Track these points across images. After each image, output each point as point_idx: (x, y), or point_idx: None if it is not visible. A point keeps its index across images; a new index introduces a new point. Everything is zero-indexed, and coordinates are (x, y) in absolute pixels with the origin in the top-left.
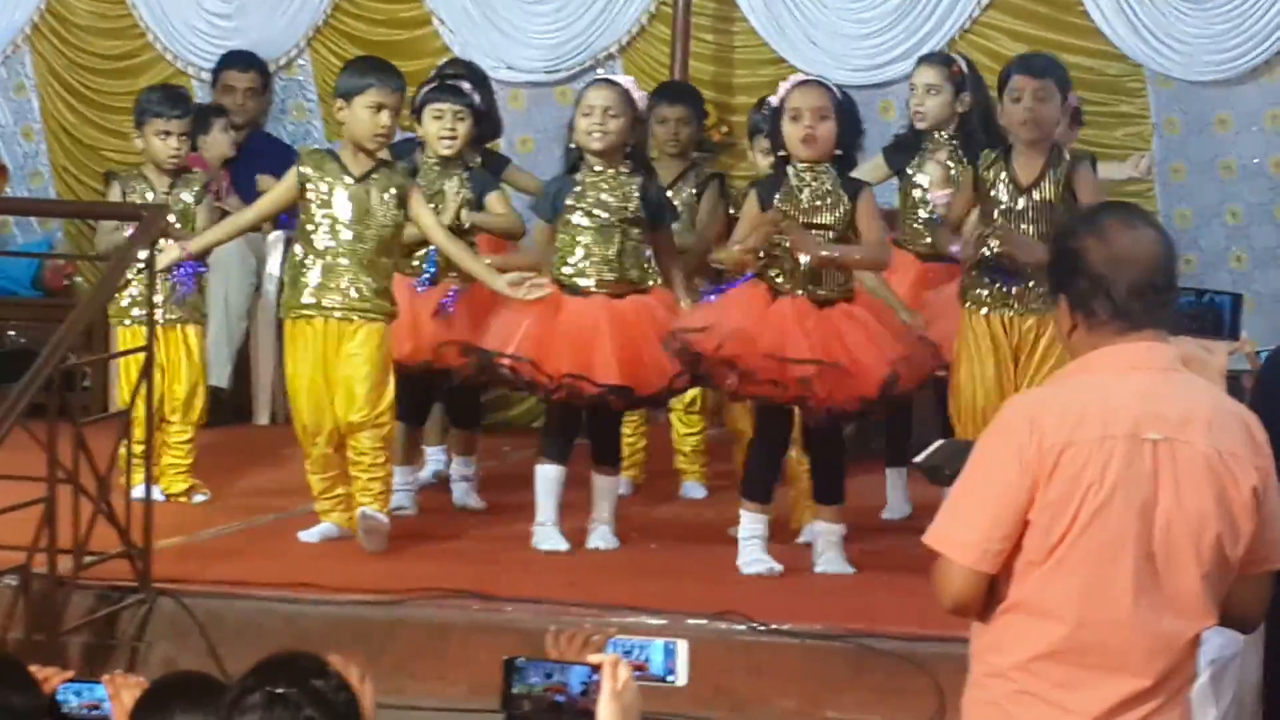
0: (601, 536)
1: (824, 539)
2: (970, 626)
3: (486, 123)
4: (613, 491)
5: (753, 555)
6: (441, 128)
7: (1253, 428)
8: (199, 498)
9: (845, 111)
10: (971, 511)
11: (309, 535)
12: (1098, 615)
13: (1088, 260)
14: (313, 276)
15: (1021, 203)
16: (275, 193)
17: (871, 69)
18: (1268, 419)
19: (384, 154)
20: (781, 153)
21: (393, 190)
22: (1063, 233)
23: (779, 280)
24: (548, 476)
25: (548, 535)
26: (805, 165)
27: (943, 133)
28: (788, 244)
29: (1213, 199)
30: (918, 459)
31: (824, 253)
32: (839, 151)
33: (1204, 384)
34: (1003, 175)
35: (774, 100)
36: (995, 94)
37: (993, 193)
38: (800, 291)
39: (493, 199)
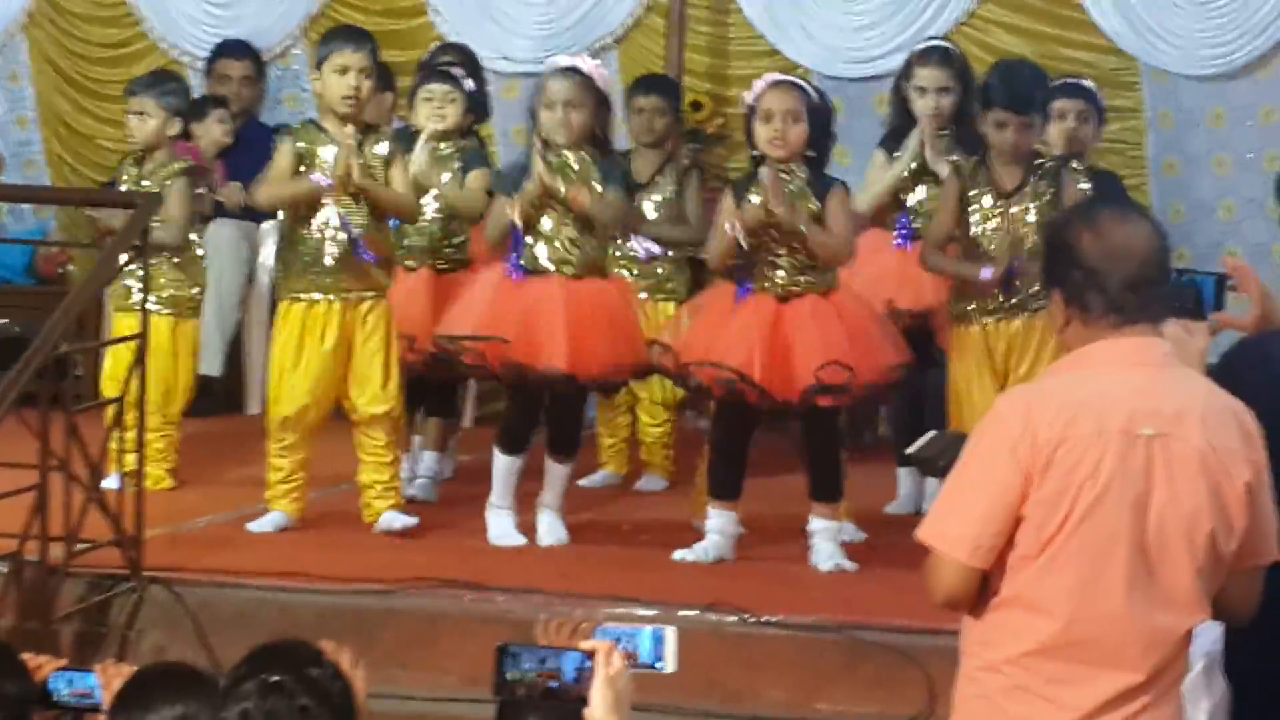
0: (548, 528)
1: (819, 536)
2: (962, 620)
3: (476, 106)
4: (561, 479)
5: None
6: (431, 109)
7: (1246, 422)
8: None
9: (818, 114)
10: (964, 507)
11: (261, 525)
12: (1091, 611)
13: (1082, 254)
14: (308, 256)
15: (1005, 207)
16: (281, 168)
17: (867, 61)
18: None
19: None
20: (755, 153)
21: (377, 151)
22: (1057, 227)
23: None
24: (501, 466)
25: (501, 524)
26: (778, 166)
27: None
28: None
29: (1207, 194)
30: (910, 449)
31: (790, 216)
32: (812, 153)
33: (1198, 378)
34: (985, 184)
35: (748, 98)
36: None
37: (974, 203)
38: (767, 284)
39: (474, 176)
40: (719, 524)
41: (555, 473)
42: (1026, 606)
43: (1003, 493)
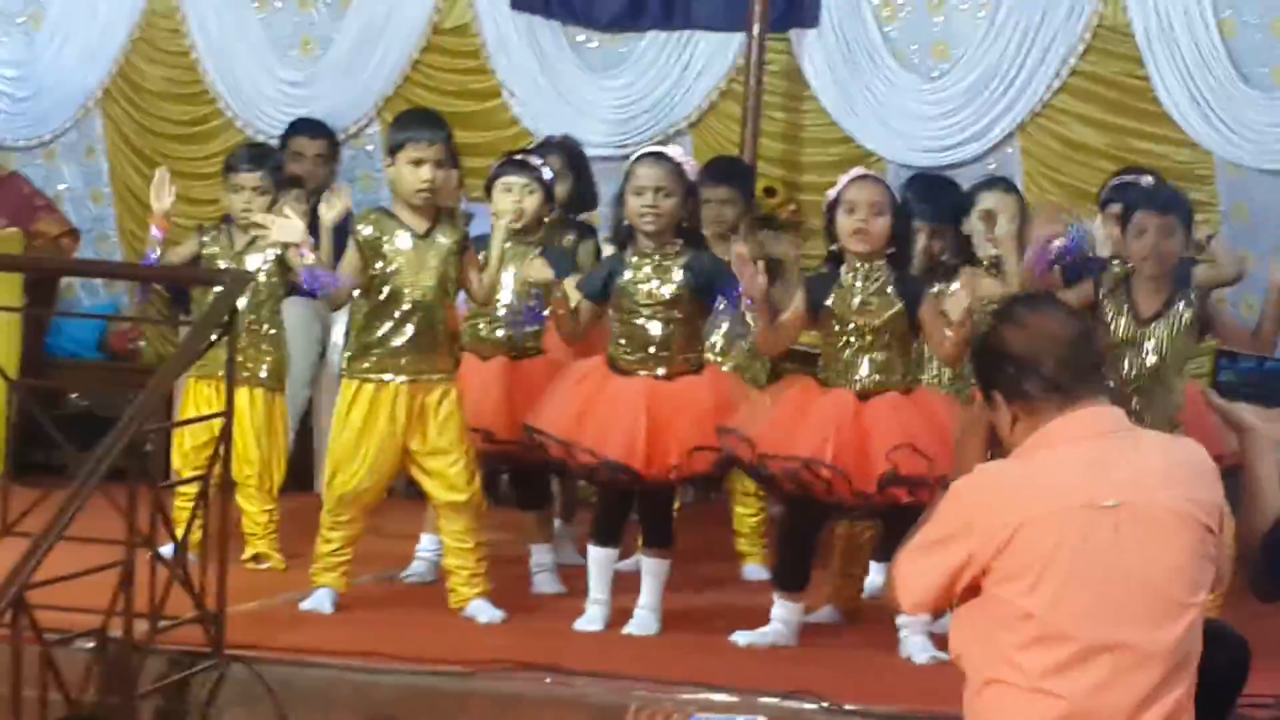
0: (640, 623)
1: (907, 629)
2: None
3: (582, 195)
4: (660, 574)
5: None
6: (510, 202)
7: (1204, 462)
8: (263, 565)
9: (901, 212)
10: (920, 570)
11: (315, 603)
12: (1080, 682)
13: (1009, 347)
14: (379, 337)
15: (1140, 334)
16: (350, 264)
17: (941, 150)
18: None
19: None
20: (834, 247)
21: (451, 243)
22: (980, 336)
23: (824, 377)
24: (597, 558)
25: (592, 616)
26: (859, 262)
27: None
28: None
29: None
30: None
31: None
32: (892, 250)
33: (1153, 437)
34: (1124, 305)
35: (830, 194)
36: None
37: (1110, 321)
38: (846, 381)
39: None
40: (782, 614)
41: (650, 568)
42: (1018, 686)
43: (954, 570)
